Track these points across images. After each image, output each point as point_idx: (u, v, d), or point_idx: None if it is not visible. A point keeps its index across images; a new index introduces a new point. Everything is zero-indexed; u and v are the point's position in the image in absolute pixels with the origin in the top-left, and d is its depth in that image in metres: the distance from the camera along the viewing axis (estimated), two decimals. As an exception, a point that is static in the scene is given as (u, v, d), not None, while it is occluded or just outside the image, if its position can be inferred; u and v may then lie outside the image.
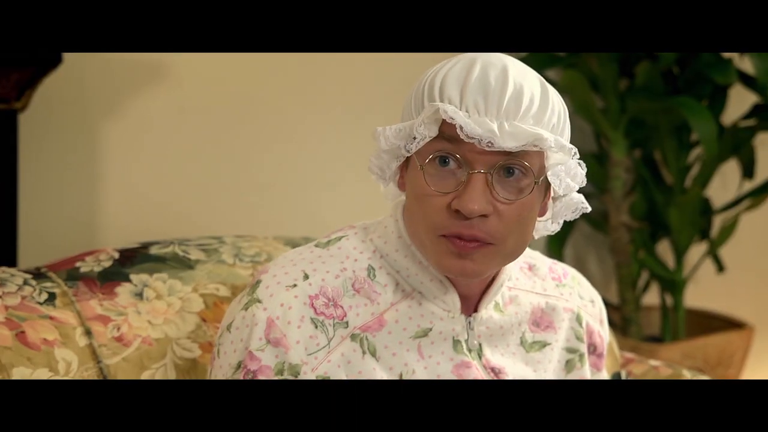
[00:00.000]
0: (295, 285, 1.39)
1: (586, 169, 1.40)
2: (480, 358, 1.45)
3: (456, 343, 1.43)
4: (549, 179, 1.37)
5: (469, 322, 1.44)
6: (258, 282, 1.41)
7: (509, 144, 1.32)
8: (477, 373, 1.42)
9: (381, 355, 1.40)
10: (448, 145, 1.34)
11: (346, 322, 1.39)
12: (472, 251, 1.35)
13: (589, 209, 1.43)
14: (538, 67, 1.43)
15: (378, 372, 1.38)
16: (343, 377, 1.37)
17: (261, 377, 1.34)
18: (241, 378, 1.35)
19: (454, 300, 1.42)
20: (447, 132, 1.34)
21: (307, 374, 1.35)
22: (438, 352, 1.42)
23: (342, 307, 1.39)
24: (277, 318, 1.36)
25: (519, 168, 1.35)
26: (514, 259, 1.42)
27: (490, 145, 1.32)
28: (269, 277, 1.40)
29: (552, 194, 1.42)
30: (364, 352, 1.39)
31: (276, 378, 1.34)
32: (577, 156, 1.39)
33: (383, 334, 1.40)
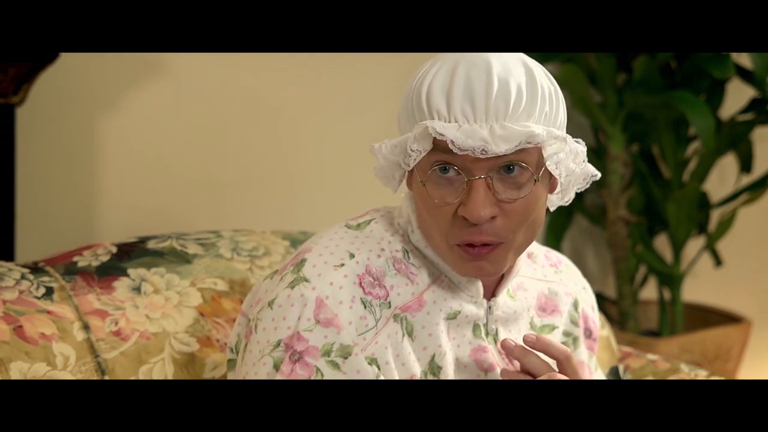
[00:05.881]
0: (342, 264, 1.38)
1: (585, 147, 1.41)
2: (495, 342, 1.46)
3: (475, 327, 1.44)
4: (549, 169, 1.38)
5: (489, 307, 1.45)
6: (303, 261, 1.39)
7: (502, 148, 1.32)
8: (492, 357, 1.44)
9: (417, 335, 1.40)
10: (445, 155, 1.35)
11: (389, 302, 1.39)
12: (487, 254, 1.37)
13: (599, 176, 1.44)
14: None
15: (411, 356, 1.39)
16: (390, 358, 1.37)
17: (307, 358, 1.33)
18: (287, 357, 1.34)
19: (478, 288, 1.44)
20: (441, 144, 1.34)
21: (358, 355, 1.35)
22: (460, 335, 1.43)
23: (385, 287, 1.39)
24: (327, 298, 1.36)
25: (517, 165, 1.35)
26: (527, 247, 1.44)
27: (484, 152, 1.32)
28: (314, 256, 1.39)
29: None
30: (403, 335, 1.39)
31: (323, 359, 1.34)
32: (572, 139, 1.39)
33: (422, 314, 1.41)
